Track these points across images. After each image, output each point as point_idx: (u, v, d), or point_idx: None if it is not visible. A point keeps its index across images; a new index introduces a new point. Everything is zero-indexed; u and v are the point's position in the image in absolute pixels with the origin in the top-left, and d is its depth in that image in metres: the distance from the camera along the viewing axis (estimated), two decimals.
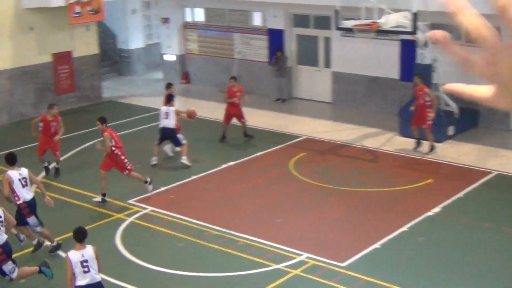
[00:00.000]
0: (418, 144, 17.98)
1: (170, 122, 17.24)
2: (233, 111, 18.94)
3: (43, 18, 22.61)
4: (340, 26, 19.01)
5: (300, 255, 12.66)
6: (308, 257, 12.56)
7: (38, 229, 12.79)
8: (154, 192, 15.86)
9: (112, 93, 25.76)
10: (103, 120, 15.18)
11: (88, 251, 9.80)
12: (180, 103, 24.32)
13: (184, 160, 17.38)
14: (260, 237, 13.41)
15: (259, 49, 24.86)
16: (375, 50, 21.65)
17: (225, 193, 15.90)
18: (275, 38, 24.10)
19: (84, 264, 9.67)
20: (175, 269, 12.23)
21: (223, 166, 17.49)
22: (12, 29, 21.87)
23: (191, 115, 17.57)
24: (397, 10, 18.09)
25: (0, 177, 13.38)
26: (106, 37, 29.14)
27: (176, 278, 12.00)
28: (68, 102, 23.79)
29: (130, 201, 15.31)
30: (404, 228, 13.68)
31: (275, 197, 15.58)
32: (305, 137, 19.68)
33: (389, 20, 17.83)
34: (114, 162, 15.14)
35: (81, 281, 9.64)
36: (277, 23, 24.06)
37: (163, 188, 16.10)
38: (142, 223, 14.24)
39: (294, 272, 12.07)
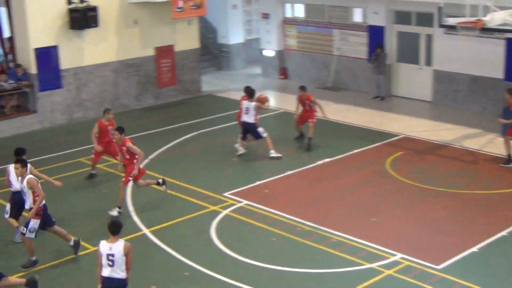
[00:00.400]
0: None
1: (250, 118, 17.62)
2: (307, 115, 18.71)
3: (147, 12, 23.15)
4: (443, 23, 18.51)
5: (394, 255, 12.47)
6: (402, 258, 12.36)
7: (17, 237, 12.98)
8: (250, 186, 16.00)
9: (211, 87, 26.13)
10: (121, 130, 14.48)
11: (118, 246, 9.75)
12: (278, 98, 24.49)
13: (272, 153, 17.64)
14: (354, 235, 13.29)
15: (358, 45, 24.61)
16: (479, 48, 21.05)
17: (320, 189, 15.84)
18: (375, 34, 23.80)
19: (110, 258, 9.72)
20: (267, 263, 12.28)
21: (319, 162, 17.42)
22: (117, 23, 22.51)
23: (261, 100, 18.09)
24: (503, 8, 17.49)
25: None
26: (207, 31, 29.57)
27: (268, 272, 12.05)
28: (168, 95, 24.31)
29: (226, 194, 15.49)
30: (504, 233, 13.25)
31: (370, 196, 15.40)
32: (403, 135, 19.35)
33: (495, 18, 17.23)
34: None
35: (104, 272, 9.77)
36: (377, 20, 23.75)
37: (258, 183, 16.20)
38: (236, 216, 14.38)
39: (387, 272, 11.90)
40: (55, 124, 21.43)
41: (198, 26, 25.19)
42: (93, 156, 16.60)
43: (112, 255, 9.70)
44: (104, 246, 9.78)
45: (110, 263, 9.70)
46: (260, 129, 17.77)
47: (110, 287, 9.79)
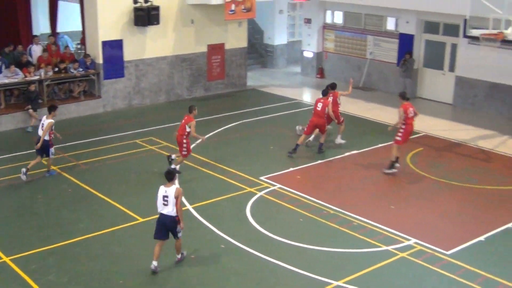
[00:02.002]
0: None
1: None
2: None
3: (203, 13, 23.29)
4: (468, 34, 18.35)
5: (408, 239, 12.44)
6: (415, 242, 12.33)
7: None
8: (284, 171, 16.07)
9: (256, 82, 26.20)
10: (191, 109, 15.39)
11: (171, 190, 10.88)
12: (314, 95, 24.45)
13: (338, 139, 18.08)
14: (373, 220, 13.29)
15: (389, 51, 24.41)
16: (499, 58, 20.70)
17: (346, 178, 15.83)
18: (405, 42, 23.56)
19: (165, 198, 10.90)
20: (294, 241, 12.36)
21: (346, 154, 17.40)
22: (176, 22, 22.70)
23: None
24: None
25: None
26: (255, 32, 29.62)
27: (295, 248, 12.13)
28: (217, 87, 24.46)
29: (262, 178, 15.58)
30: (510, 225, 13.11)
31: (391, 186, 15.34)
32: (424, 133, 19.19)
33: None
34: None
35: (161, 210, 11.00)
36: (408, 28, 23.51)
37: (291, 169, 16.26)
38: (270, 198, 14.47)
39: (401, 254, 11.88)
40: (116, 109, 21.74)
41: (247, 28, 25.25)
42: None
43: (167, 197, 10.88)
44: (161, 190, 10.96)
45: (165, 202, 10.91)
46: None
47: (164, 221, 11.01)
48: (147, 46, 22.16)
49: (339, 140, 18.20)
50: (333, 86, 18.16)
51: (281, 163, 16.63)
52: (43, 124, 15.24)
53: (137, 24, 21.43)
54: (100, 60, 21.21)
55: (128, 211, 13.62)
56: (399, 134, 15.95)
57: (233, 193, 14.66)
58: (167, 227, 11.06)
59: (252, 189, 14.88)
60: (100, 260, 11.66)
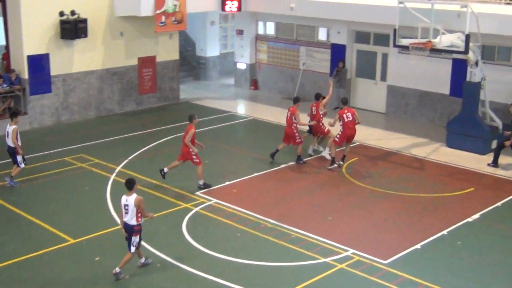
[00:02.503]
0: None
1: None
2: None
3: (132, 25, 23.01)
4: (398, 44, 18.71)
5: (346, 250, 12.54)
6: (353, 253, 12.43)
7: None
8: (220, 185, 15.97)
9: (189, 95, 26.04)
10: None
11: (131, 199, 11.20)
12: (248, 107, 24.51)
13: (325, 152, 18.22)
14: (311, 232, 13.34)
15: (322, 61, 24.72)
16: (429, 66, 21.25)
17: (282, 190, 15.86)
18: (337, 52, 23.92)
19: (126, 207, 11.26)
20: (233, 256, 12.26)
21: (282, 166, 17.46)
22: (105, 34, 22.34)
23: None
24: (451, 31, 17.72)
25: None
26: (187, 44, 29.49)
27: (234, 264, 12.03)
28: (149, 101, 24.17)
29: (197, 193, 15.44)
30: (444, 232, 13.40)
31: (328, 197, 15.46)
32: (359, 143, 19.44)
33: (443, 40, 17.48)
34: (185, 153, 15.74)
35: (123, 218, 11.37)
36: (340, 39, 23.87)
37: (227, 183, 16.17)
38: (206, 213, 14.33)
39: (340, 266, 11.96)
40: (44, 125, 21.16)
41: (178, 40, 25.11)
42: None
43: (127, 206, 11.24)
44: (122, 199, 11.32)
45: (126, 211, 11.26)
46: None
47: (126, 229, 11.37)
48: (75, 60, 21.71)
49: (325, 153, 18.16)
50: (317, 97, 18.34)
51: (216, 177, 16.51)
52: (8, 132, 15.53)
53: (64, 38, 20.99)
54: (25, 75, 20.62)
55: (58, 232, 13.22)
56: (338, 135, 17.06)
57: (168, 210, 14.45)
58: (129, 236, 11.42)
59: (187, 205, 14.71)
60: (29, 286, 11.23)
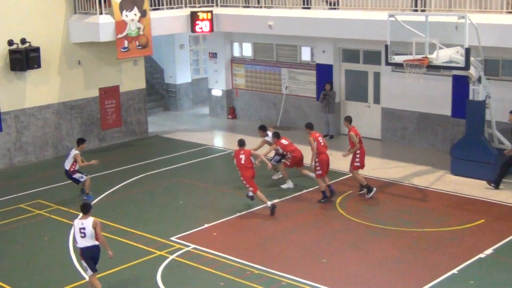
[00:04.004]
0: None
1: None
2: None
3: (91, 52, 23.12)
4: (390, 61, 18.90)
5: None
6: None
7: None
8: (198, 229, 15.94)
9: (158, 128, 26.10)
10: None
11: (88, 222, 12.19)
12: (226, 139, 24.59)
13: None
14: (304, 277, 13.29)
15: (306, 84, 24.94)
16: (426, 85, 21.46)
17: (270, 231, 15.84)
18: (324, 73, 24.15)
19: (82, 230, 12.17)
20: None
21: (268, 203, 17.45)
22: (60, 64, 22.40)
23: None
24: (449, 45, 17.94)
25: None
26: (153, 71, 29.64)
27: None
28: (113, 136, 24.18)
29: (173, 238, 15.39)
30: (454, 271, 13.43)
31: (321, 236, 15.47)
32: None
33: (441, 55, 17.68)
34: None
35: (79, 244, 12.30)
36: (325, 58, 24.12)
37: (206, 225, 16.14)
38: (183, 261, 14.26)
39: None
40: None
41: (144, 66, 25.24)
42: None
43: (84, 229, 12.16)
44: (77, 223, 12.25)
45: (83, 235, 12.18)
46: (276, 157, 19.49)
47: (89, 254, 12.28)
48: (28, 94, 21.74)
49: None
50: (276, 135, 19.06)
51: (193, 220, 16.49)
52: (69, 154, 18.25)
53: (14, 69, 21.05)
54: None
55: None
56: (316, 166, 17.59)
57: (139, 259, 14.36)
58: (93, 258, 12.34)
59: (162, 252, 14.64)
60: None
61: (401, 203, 17.40)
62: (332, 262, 14.10)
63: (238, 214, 16.86)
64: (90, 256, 12.28)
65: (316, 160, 17.48)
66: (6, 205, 17.86)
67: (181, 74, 29.43)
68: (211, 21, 24.60)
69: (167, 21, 24.00)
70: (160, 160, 21.77)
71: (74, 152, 18.07)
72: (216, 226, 16.18)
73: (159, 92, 29.91)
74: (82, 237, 12.17)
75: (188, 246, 14.95)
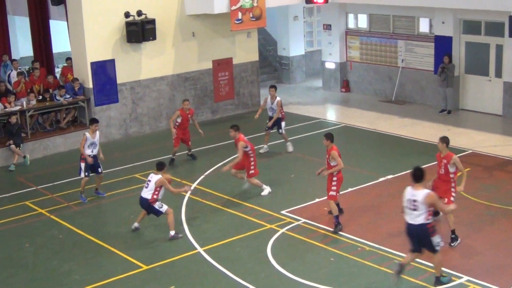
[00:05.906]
0: None
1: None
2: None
3: (205, 24, 23.43)
4: None
5: (460, 277, 12.26)
6: (468, 280, 12.15)
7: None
8: (309, 203, 15.97)
9: None
10: (236, 128, 16.52)
11: (155, 178, 14.10)
12: (339, 112, 24.46)
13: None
14: (418, 257, 13.08)
15: (424, 57, 24.39)
16: None
17: (382, 208, 15.69)
18: (442, 45, 23.53)
19: (148, 183, 14.16)
20: (326, 285, 12.21)
21: (381, 179, 17.28)
22: (175, 36, 22.84)
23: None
24: None
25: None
26: (267, 43, 29.74)
27: None
28: (226, 109, 24.51)
29: (283, 212, 15.49)
30: None
31: None
32: (471, 151, 19.03)
33: None
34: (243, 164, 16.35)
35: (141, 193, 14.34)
36: (445, 30, 23.49)
37: (317, 200, 16.15)
38: (294, 235, 14.35)
39: None
40: (111, 139, 21.80)
41: (257, 38, 25.36)
42: (174, 142, 18.93)
43: (150, 181, 14.15)
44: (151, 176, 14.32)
45: (146, 186, 14.22)
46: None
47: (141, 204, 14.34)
48: (143, 66, 22.30)
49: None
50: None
51: (305, 194, 16.53)
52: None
53: (131, 41, 21.58)
54: (90, 84, 21.35)
55: (129, 258, 13.55)
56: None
57: (250, 231, 14.57)
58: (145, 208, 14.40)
59: (272, 226, 14.78)
60: None
61: None
62: (448, 242, 13.79)
63: (351, 189, 16.75)
64: (141, 206, 14.28)
65: (335, 179, 14.44)
66: (122, 175, 18.47)
67: (294, 46, 29.40)
68: None
69: None
70: (272, 132, 21.85)
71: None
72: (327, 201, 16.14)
73: (272, 65, 30.03)
74: (145, 187, 14.15)
75: (298, 220, 15.02)
